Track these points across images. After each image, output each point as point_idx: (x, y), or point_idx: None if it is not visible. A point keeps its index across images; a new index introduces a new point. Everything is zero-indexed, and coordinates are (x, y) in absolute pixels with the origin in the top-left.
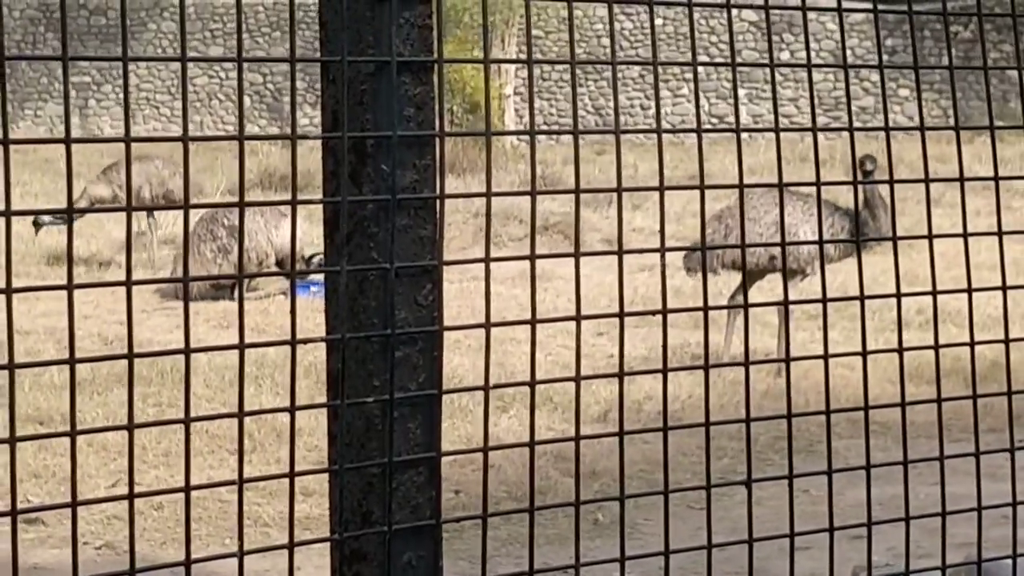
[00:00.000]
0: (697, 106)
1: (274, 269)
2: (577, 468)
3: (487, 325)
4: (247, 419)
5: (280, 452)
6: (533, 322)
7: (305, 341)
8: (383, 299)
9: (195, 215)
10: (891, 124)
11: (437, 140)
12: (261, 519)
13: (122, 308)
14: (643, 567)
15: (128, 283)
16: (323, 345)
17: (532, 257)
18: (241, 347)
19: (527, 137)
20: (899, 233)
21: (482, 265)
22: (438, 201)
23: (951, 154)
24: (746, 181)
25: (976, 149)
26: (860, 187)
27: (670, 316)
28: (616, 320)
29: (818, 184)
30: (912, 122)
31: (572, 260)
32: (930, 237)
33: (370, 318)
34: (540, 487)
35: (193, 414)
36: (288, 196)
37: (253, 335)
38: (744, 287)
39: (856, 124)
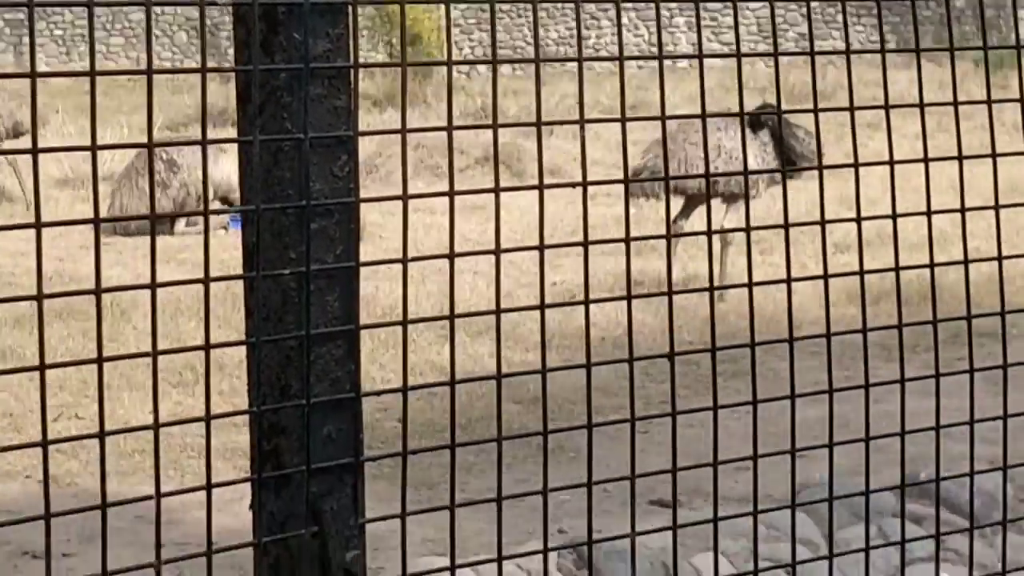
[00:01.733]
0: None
1: (218, 204)
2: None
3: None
4: (190, 353)
5: (221, 384)
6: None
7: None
8: (298, 170)
9: (129, 152)
10: (834, 49)
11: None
12: (200, 450)
13: (60, 245)
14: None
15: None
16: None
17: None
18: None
19: (464, 73)
20: (839, 157)
21: (426, 197)
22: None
23: (894, 79)
24: (684, 111)
25: (913, 75)
26: (769, 124)
27: (613, 245)
28: (561, 250)
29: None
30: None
31: (515, 191)
32: (856, 165)
33: (285, 190)
34: (486, 414)
35: (135, 348)
36: (228, 132)
37: (194, 270)
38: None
39: (797, 50)
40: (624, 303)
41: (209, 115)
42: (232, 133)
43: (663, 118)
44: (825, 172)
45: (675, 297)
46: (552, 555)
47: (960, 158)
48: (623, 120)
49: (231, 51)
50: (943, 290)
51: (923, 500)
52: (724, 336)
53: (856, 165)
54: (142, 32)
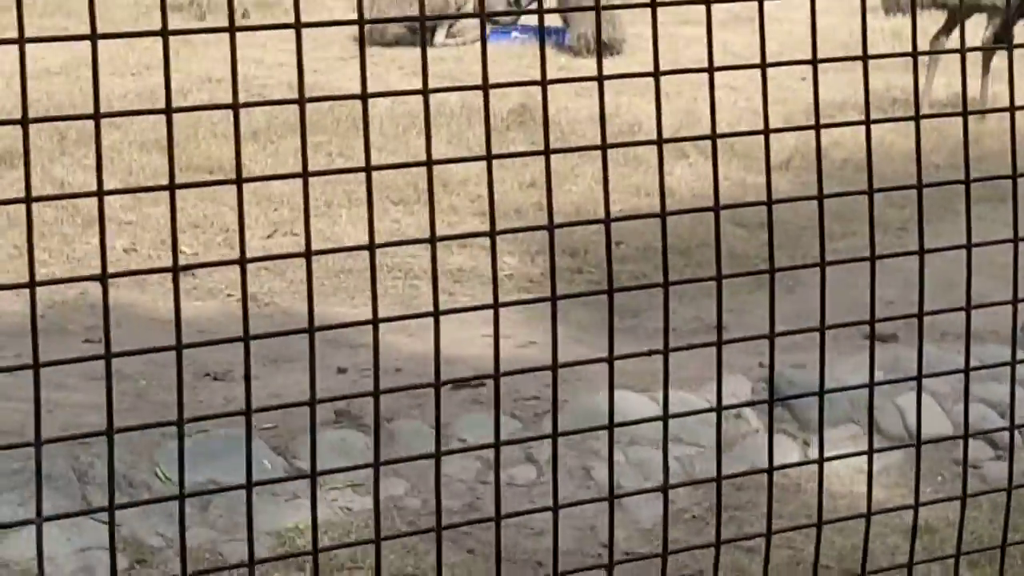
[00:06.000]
0: None
1: (468, 11)
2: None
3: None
4: (413, 170)
5: (444, 203)
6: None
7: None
8: None
9: None
10: None
11: None
12: (412, 272)
13: (317, 56)
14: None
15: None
16: (501, 96)
17: None
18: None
19: None
20: None
21: (692, 9)
22: None
23: None
24: None
25: None
26: None
27: (873, 60)
28: (824, 65)
29: None
30: None
31: (792, 1)
32: None
33: None
34: (707, 239)
35: (362, 163)
36: None
37: (445, 82)
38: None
39: None
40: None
41: None
42: None
43: None
44: None
45: (929, 120)
46: (747, 386)
47: None
48: None
49: None
50: None
51: None
52: (978, 158)
53: None
54: None
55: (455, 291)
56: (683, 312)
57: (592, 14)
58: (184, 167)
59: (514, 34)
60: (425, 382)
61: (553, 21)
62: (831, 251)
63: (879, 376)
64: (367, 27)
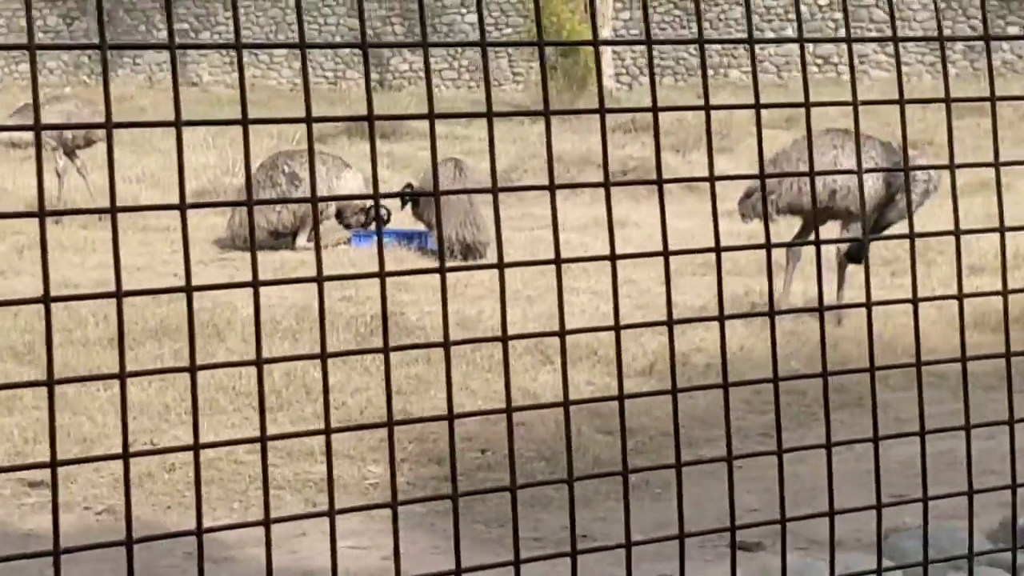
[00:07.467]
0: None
1: (334, 220)
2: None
3: (557, 261)
4: (276, 376)
5: (306, 410)
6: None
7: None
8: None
9: (254, 162)
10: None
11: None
12: (275, 481)
13: (176, 260)
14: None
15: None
16: (366, 300)
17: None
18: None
19: (625, 84)
20: (969, 177)
21: (550, 215)
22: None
23: None
24: (841, 124)
25: None
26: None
27: (731, 264)
28: (685, 270)
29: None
30: None
31: (647, 206)
32: (996, 165)
33: None
34: (575, 444)
35: (220, 371)
36: (360, 147)
37: (310, 286)
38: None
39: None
40: (740, 327)
41: (358, 127)
42: (363, 148)
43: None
44: (962, 193)
45: (788, 324)
46: None
47: None
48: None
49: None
50: None
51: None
52: (836, 364)
53: (996, 165)
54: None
55: (319, 501)
56: (550, 521)
57: (455, 217)
58: (42, 376)
59: (375, 238)
60: None
61: (417, 225)
62: (693, 457)
63: None
64: (230, 234)
